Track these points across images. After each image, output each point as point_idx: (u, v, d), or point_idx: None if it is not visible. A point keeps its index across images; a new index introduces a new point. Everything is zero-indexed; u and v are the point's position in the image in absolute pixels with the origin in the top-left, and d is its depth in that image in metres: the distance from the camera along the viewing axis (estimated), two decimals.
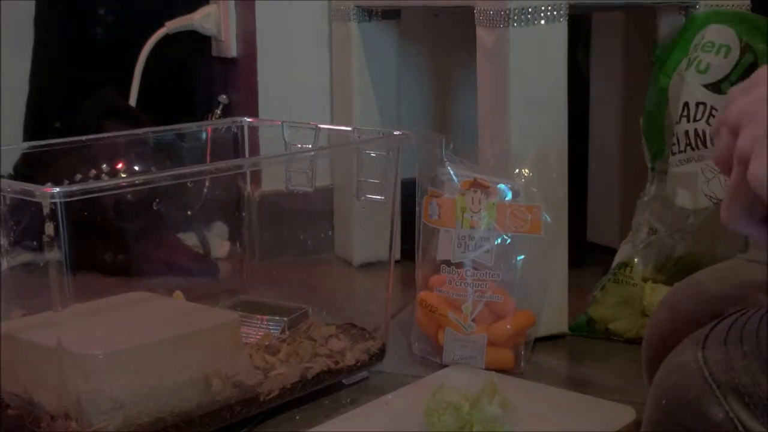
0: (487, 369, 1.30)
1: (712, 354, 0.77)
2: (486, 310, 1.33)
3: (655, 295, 1.39)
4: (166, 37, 2.00)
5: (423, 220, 1.37)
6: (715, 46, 1.42)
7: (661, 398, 0.78)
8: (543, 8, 1.38)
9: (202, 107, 2.01)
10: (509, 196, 1.34)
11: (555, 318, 1.44)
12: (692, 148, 1.40)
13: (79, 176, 1.63)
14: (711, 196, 1.38)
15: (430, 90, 2.08)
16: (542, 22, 1.38)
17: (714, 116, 1.38)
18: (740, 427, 0.73)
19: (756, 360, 0.74)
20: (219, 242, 1.80)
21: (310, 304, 1.43)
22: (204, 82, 2.07)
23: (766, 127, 0.64)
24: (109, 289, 1.32)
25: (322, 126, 1.38)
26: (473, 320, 1.32)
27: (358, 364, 1.29)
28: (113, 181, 1.14)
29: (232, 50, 1.97)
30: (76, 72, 2.08)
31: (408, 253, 1.61)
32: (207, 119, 1.90)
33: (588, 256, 1.81)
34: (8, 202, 1.05)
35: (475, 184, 1.34)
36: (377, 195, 1.30)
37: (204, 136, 1.47)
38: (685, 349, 0.79)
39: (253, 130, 1.53)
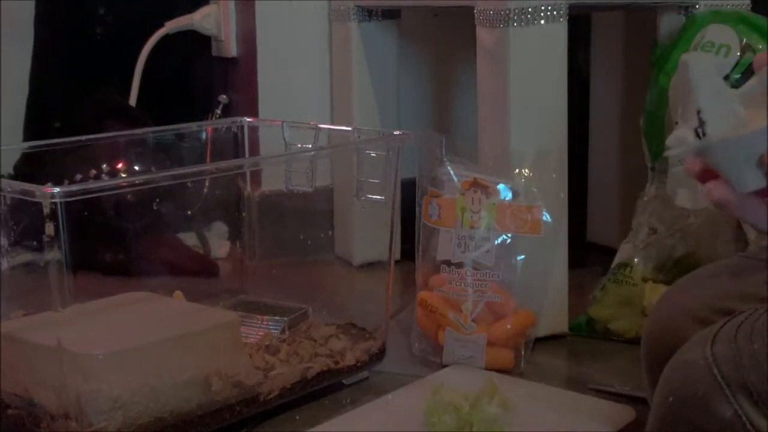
0: (487, 369, 1.30)
1: (722, 351, 0.77)
2: (486, 310, 1.33)
3: (655, 295, 1.39)
4: (166, 37, 2.00)
5: (423, 220, 1.37)
6: (715, 46, 1.42)
7: (669, 395, 0.78)
8: (543, 8, 1.38)
9: (202, 107, 2.01)
10: (509, 196, 1.34)
11: (555, 318, 1.44)
12: None
13: (79, 176, 1.63)
14: None
15: (430, 90, 2.08)
16: (542, 22, 1.38)
17: None
18: (749, 425, 0.73)
19: (766, 358, 0.74)
20: (219, 242, 1.81)
21: (310, 304, 1.43)
22: (204, 82, 2.07)
23: None
24: (109, 289, 1.32)
25: (322, 126, 1.38)
26: (473, 320, 1.32)
27: (358, 364, 1.29)
28: (113, 181, 1.14)
29: (232, 50, 1.97)
30: (76, 72, 2.08)
31: (408, 253, 1.61)
32: (207, 119, 1.90)
33: (588, 256, 1.81)
34: (8, 202, 1.05)
35: (475, 184, 1.34)
36: (377, 195, 1.30)
37: (204, 136, 1.47)
38: (694, 347, 0.79)
39: (253, 130, 1.53)
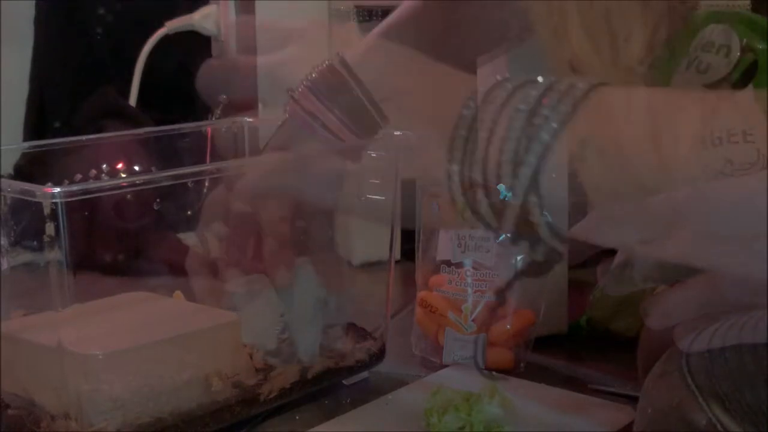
0: (487, 369, 1.30)
1: (696, 361, 0.78)
2: (486, 310, 1.33)
3: None
4: (166, 37, 2.00)
5: (423, 220, 1.37)
6: (715, 46, 1.41)
7: (648, 407, 0.79)
8: None
9: (202, 107, 2.01)
10: (509, 196, 1.34)
11: (555, 318, 1.44)
12: None
13: (79, 176, 1.62)
14: None
15: None
16: None
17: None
18: None
19: (738, 366, 0.75)
20: (219, 242, 1.80)
21: None
22: None
23: None
24: (109, 289, 1.32)
25: None
26: (473, 320, 1.32)
27: (358, 364, 1.29)
28: (113, 181, 1.14)
29: (232, 50, 1.97)
30: (76, 72, 2.08)
31: (408, 253, 1.61)
32: (207, 119, 1.90)
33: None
34: (8, 202, 1.05)
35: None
36: (377, 195, 1.30)
37: (204, 136, 1.47)
38: (671, 357, 0.80)
39: (253, 130, 1.53)
